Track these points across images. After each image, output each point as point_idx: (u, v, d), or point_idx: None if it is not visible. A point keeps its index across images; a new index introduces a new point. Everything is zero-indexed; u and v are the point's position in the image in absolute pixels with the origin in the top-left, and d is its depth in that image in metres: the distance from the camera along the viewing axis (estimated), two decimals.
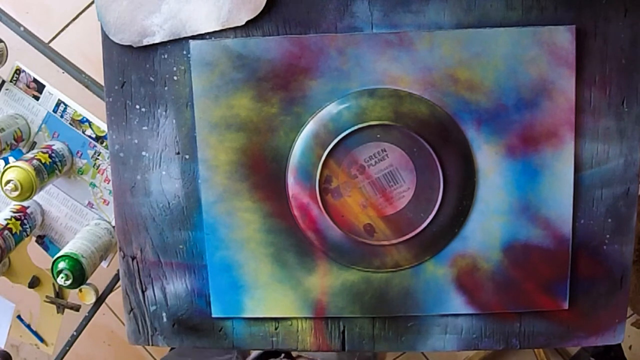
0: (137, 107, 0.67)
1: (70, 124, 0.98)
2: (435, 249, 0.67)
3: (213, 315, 0.70)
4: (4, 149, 0.95)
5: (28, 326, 1.15)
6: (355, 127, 0.64)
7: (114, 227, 1.00)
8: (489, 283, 0.67)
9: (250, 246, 0.68)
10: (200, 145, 0.66)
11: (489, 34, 0.63)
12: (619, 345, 1.31)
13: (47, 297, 1.09)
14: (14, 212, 1.00)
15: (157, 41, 0.65)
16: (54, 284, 1.09)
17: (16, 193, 0.89)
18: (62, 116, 0.98)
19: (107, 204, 1.02)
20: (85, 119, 0.98)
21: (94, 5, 0.65)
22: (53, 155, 0.95)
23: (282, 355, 0.92)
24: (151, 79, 0.66)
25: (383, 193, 0.65)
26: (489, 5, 0.63)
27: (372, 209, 0.66)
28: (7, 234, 0.96)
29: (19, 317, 1.15)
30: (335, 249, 0.67)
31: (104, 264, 1.04)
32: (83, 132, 0.98)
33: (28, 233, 1.01)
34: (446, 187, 0.65)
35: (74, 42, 1.47)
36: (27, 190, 0.90)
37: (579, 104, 0.64)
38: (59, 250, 0.96)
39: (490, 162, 0.65)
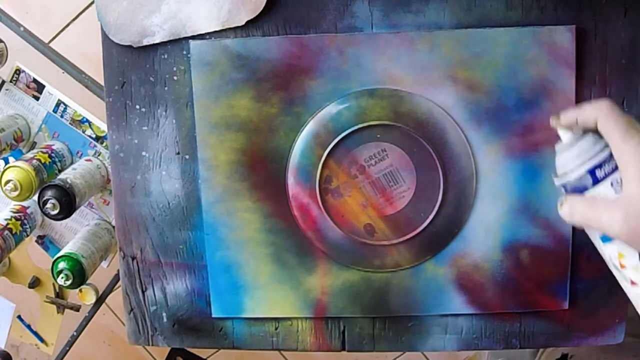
0: (137, 107, 0.67)
1: (70, 124, 0.98)
2: (435, 249, 0.67)
3: (213, 315, 0.70)
4: (4, 149, 0.95)
5: (28, 326, 1.15)
6: (355, 127, 0.64)
7: (114, 227, 1.00)
8: (489, 283, 0.67)
9: (250, 246, 0.68)
10: (200, 145, 0.66)
11: (489, 34, 0.63)
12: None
13: (47, 297, 1.10)
14: (14, 212, 1.00)
15: (157, 41, 0.65)
16: (54, 284, 1.09)
17: (16, 193, 0.89)
18: (62, 116, 0.98)
19: (107, 204, 1.02)
20: (85, 119, 0.98)
21: (94, 5, 0.65)
22: (53, 155, 0.95)
23: None
24: (151, 79, 0.66)
25: (383, 193, 0.65)
26: (489, 5, 0.63)
27: (372, 209, 0.66)
28: (7, 234, 0.96)
29: (19, 317, 1.15)
30: (335, 249, 0.67)
31: (104, 264, 1.04)
32: (83, 132, 0.98)
33: (28, 233, 1.02)
34: (446, 187, 0.65)
35: (74, 42, 1.47)
36: (26, 190, 0.90)
37: (579, 104, 0.64)
38: (59, 250, 0.96)
39: (490, 162, 0.65)
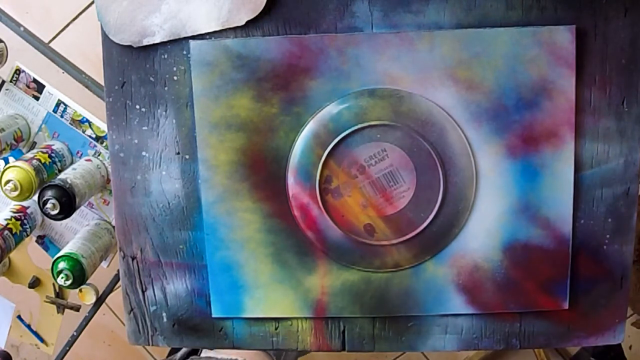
0: (137, 107, 0.67)
1: (70, 124, 0.98)
2: (435, 249, 0.67)
3: (213, 315, 0.70)
4: (4, 149, 0.95)
5: (28, 326, 1.15)
6: (355, 127, 0.64)
7: (114, 227, 1.00)
8: (489, 283, 0.67)
9: (251, 246, 0.68)
10: (200, 145, 0.66)
11: (489, 34, 0.63)
12: (619, 345, 1.31)
13: (47, 297, 1.10)
14: (14, 212, 1.00)
15: (157, 41, 0.65)
16: (54, 284, 1.09)
17: (16, 193, 0.89)
18: (62, 116, 0.98)
19: (107, 204, 1.02)
20: (85, 119, 0.98)
21: (94, 5, 0.65)
22: (53, 155, 0.95)
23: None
24: (151, 79, 0.66)
25: (383, 193, 0.65)
26: (489, 5, 0.63)
27: (372, 209, 0.66)
28: (7, 234, 0.96)
29: (19, 317, 1.15)
30: (335, 249, 0.67)
31: (104, 264, 1.04)
32: (83, 132, 0.98)
33: (28, 233, 1.02)
34: (446, 187, 0.65)
35: (74, 42, 1.47)
36: (26, 190, 0.90)
37: (579, 104, 0.64)
38: (59, 250, 0.96)
39: (490, 162, 0.65)
